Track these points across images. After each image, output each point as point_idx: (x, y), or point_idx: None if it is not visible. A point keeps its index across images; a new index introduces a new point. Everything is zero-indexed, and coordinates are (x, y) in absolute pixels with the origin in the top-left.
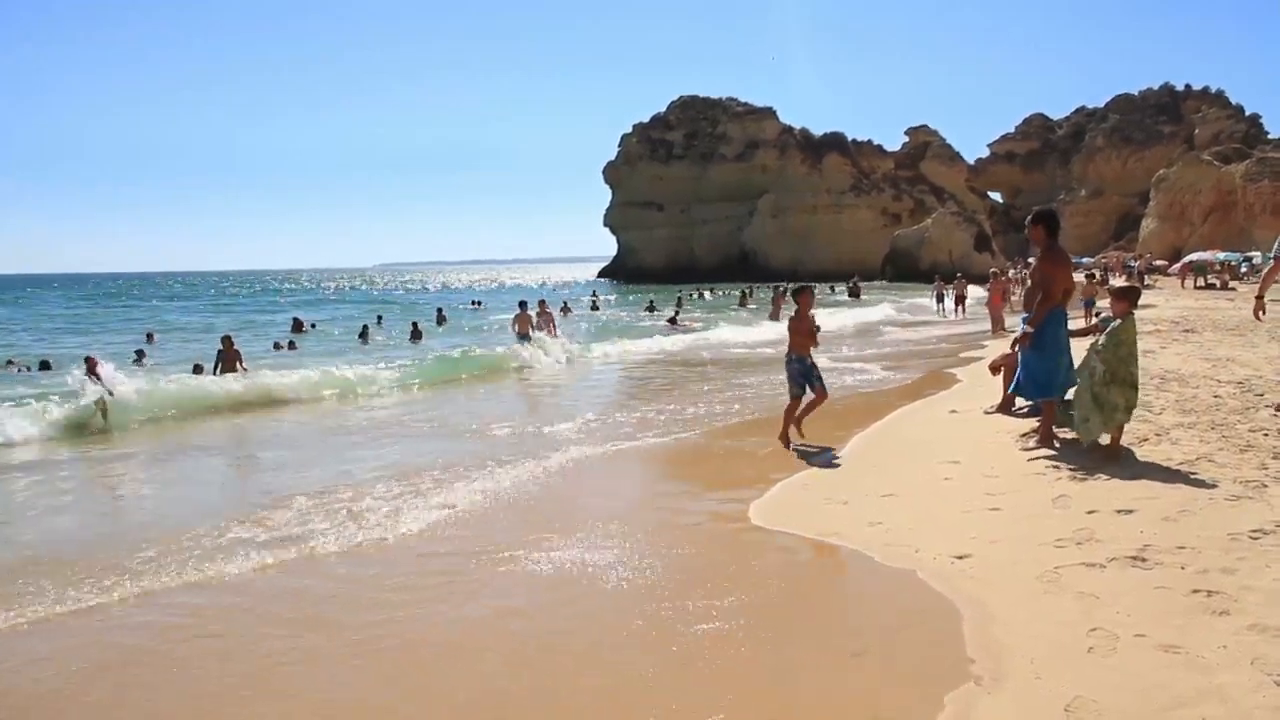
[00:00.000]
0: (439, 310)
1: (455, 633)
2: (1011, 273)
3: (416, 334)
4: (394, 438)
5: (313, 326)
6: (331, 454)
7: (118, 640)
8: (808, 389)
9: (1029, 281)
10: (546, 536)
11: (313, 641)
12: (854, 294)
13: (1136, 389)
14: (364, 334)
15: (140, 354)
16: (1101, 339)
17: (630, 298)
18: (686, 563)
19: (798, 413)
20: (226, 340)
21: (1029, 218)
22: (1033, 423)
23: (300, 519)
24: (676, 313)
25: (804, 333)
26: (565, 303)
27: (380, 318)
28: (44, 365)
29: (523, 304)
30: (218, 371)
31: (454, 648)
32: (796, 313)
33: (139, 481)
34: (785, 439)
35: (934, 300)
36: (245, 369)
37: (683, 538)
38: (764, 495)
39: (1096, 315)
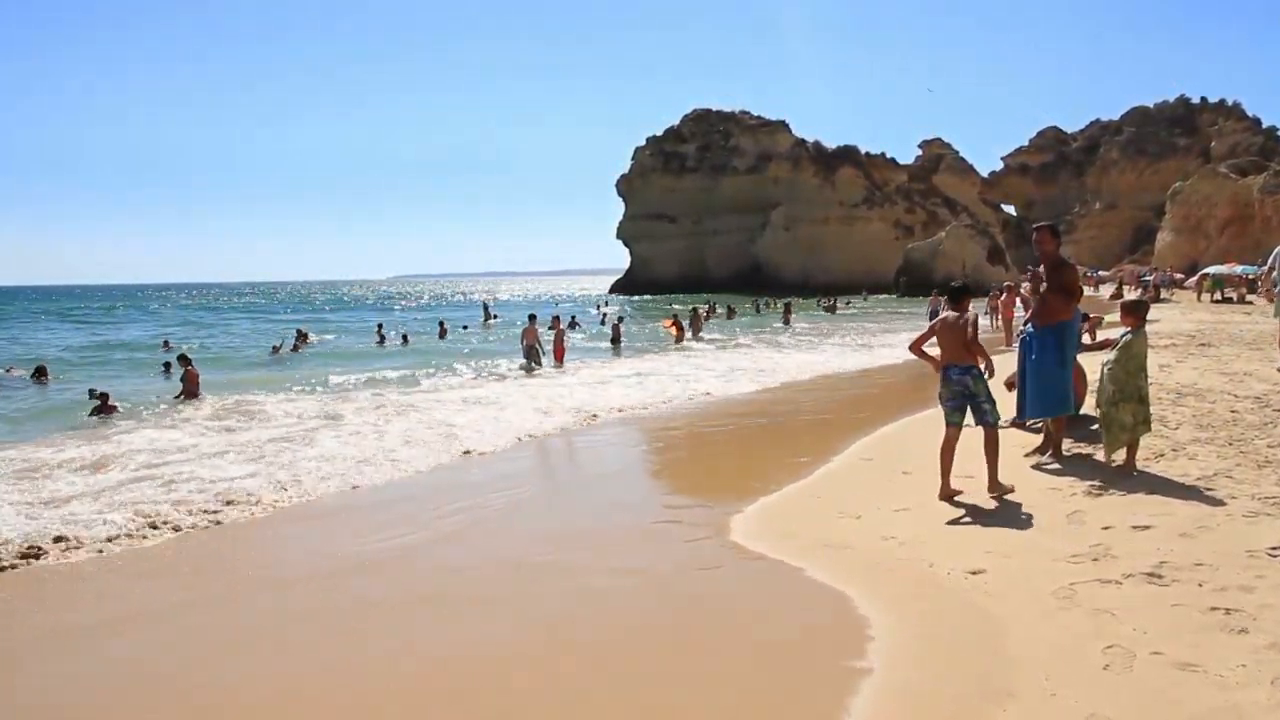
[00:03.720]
0: (441, 323)
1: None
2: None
3: (405, 341)
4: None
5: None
6: None
7: None
8: (969, 417)
9: (1033, 292)
10: (565, 554)
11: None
12: (829, 310)
13: (1145, 403)
14: (382, 339)
15: (169, 366)
16: (1112, 354)
17: (645, 317)
18: (683, 582)
19: (989, 455)
20: (184, 359)
21: (1035, 228)
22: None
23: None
24: (681, 322)
25: (959, 341)
26: (574, 318)
27: (380, 324)
28: (39, 371)
29: (531, 317)
30: (183, 396)
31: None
32: (949, 317)
33: None
34: (947, 492)
35: (929, 318)
36: (200, 394)
37: (680, 551)
38: (772, 507)
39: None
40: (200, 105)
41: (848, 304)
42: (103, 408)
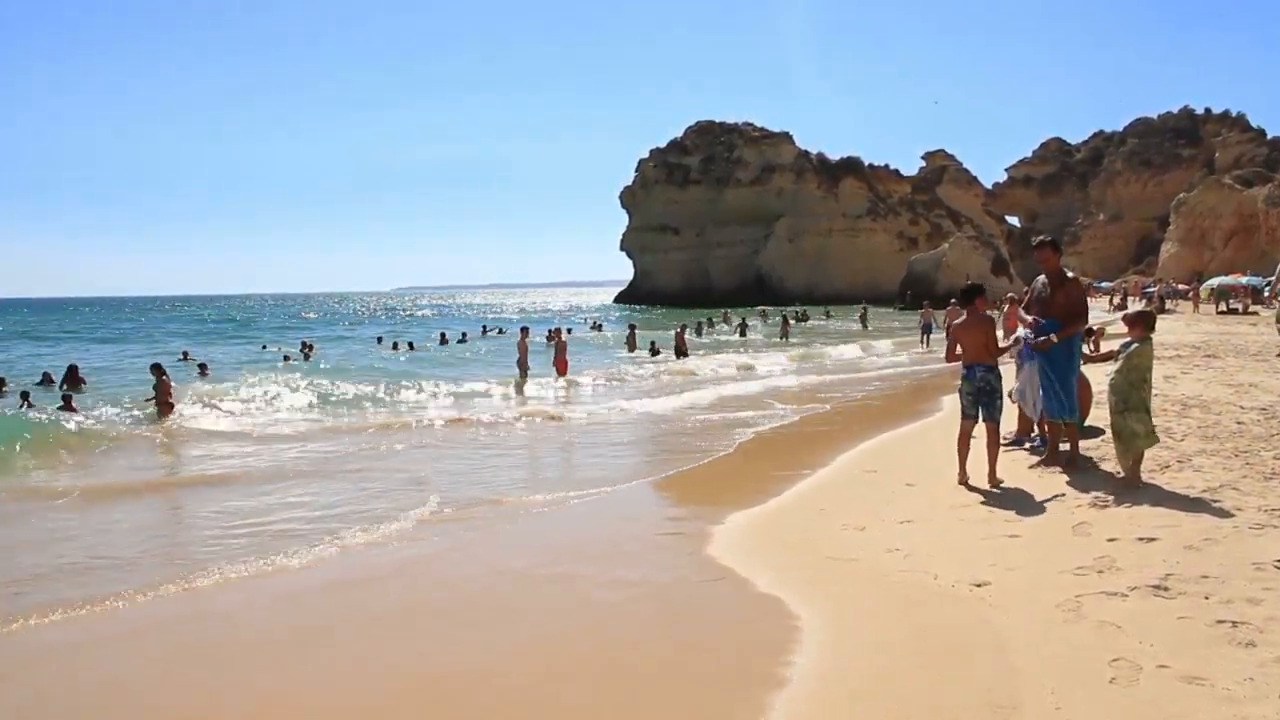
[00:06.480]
0: (441, 334)
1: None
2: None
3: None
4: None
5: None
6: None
7: None
8: (980, 412)
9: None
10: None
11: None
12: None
13: (1149, 413)
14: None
15: (203, 367)
16: (1117, 364)
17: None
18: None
19: (990, 449)
20: (157, 369)
21: (1036, 245)
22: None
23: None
24: (653, 344)
25: (980, 344)
26: (569, 329)
27: (380, 338)
28: (47, 379)
29: (524, 329)
30: (156, 406)
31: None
32: (967, 317)
33: None
34: (963, 478)
35: (920, 331)
36: (174, 404)
37: (683, 563)
38: (776, 519)
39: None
40: (203, 117)
41: (793, 319)
42: (67, 406)
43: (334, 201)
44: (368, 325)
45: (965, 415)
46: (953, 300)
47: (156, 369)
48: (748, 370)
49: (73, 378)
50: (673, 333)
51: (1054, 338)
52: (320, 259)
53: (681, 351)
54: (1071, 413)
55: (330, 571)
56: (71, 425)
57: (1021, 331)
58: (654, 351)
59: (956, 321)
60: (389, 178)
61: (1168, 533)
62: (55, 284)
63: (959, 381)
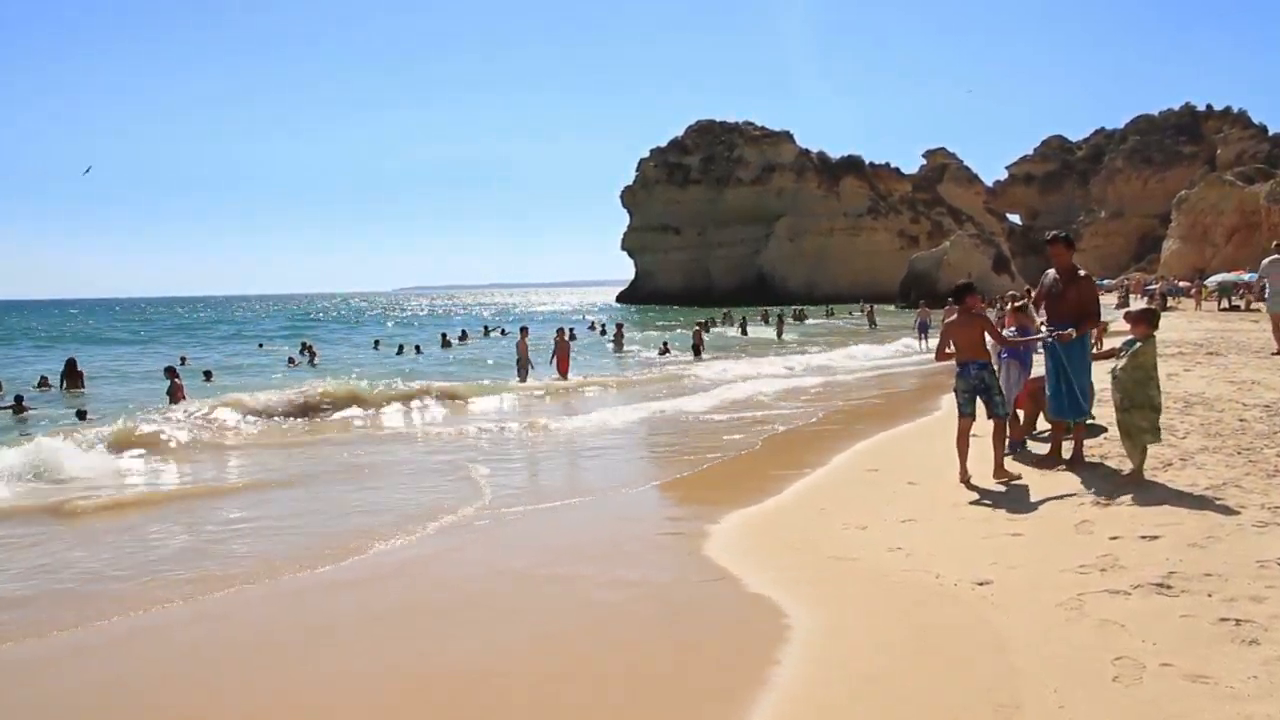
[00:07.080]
0: (443, 335)
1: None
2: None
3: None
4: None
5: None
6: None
7: None
8: (979, 407)
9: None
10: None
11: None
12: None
13: (1157, 411)
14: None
15: (208, 374)
16: (1121, 362)
17: (645, 331)
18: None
19: (995, 445)
20: (170, 371)
21: (1049, 241)
22: (1045, 448)
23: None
24: (666, 345)
25: (973, 341)
26: (572, 330)
27: (377, 342)
28: (70, 366)
29: (523, 329)
30: (170, 403)
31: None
32: (959, 316)
33: None
34: (965, 476)
35: (916, 331)
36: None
37: (684, 563)
38: (777, 519)
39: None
40: (203, 117)
41: (790, 319)
42: (17, 408)
43: (334, 201)
44: (369, 325)
45: (962, 414)
46: (950, 299)
47: (170, 372)
48: (753, 371)
49: (71, 372)
50: (690, 332)
51: (1073, 332)
52: (320, 259)
53: (699, 351)
54: (1083, 413)
55: (330, 572)
56: (89, 430)
57: (1009, 330)
58: (663, 351)
59: (949, 319)
60: (389, 178)
61: (1170, 531)
62: (55, 284)
63: (954, 380)
